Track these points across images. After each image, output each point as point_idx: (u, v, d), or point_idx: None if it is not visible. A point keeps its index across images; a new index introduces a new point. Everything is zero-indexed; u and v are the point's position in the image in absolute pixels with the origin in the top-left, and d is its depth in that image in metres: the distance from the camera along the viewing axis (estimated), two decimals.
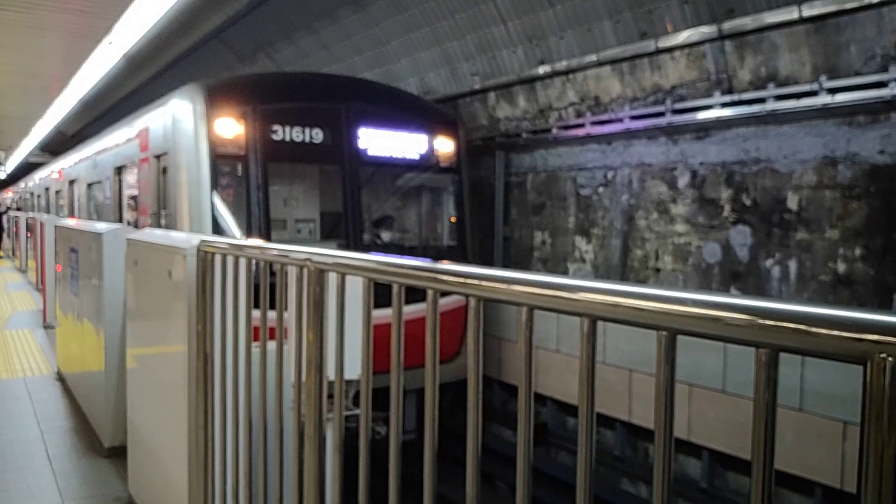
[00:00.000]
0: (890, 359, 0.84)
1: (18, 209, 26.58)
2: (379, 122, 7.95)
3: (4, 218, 24.52)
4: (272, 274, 2.38)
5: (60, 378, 6.82)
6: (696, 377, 6.46)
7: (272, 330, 2.43)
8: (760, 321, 0.99)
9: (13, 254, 20.75)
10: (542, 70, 8.35)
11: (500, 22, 8.50)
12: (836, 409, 5.52)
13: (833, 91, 5.78)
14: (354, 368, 2.01)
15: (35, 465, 4.68)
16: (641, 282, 7.77)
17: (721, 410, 6.35)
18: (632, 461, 7.56)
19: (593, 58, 7.66)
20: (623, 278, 7.95)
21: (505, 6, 8.26)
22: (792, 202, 6.38)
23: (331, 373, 2.10)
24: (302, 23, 11.57)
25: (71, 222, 7.66)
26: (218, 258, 2.81)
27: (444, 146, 8.46)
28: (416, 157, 8.29)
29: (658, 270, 7.60)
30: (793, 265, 6.37)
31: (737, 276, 6.82)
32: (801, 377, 5.70)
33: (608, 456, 7.71)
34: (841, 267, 6.06)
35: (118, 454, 4.66)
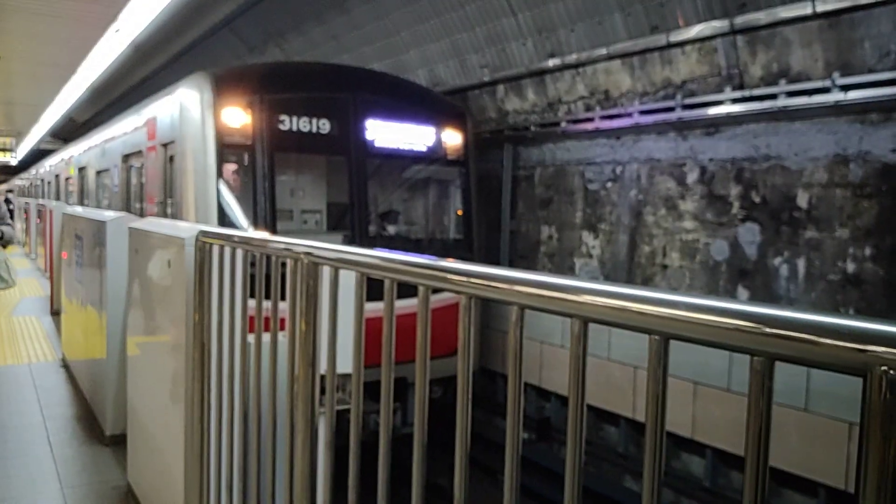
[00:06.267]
0: (891, 372, 0.80)
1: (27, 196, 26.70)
2: (386, 114, 7.92)
3: (11, 206, 24.64)
4: (268, 266, 2.37)
5: (65, 365, 6.85)
6: (701, 375, 6.41)
7: (268, 321, 2.42)
8: (756, 328, 0.95)
9: (23, 241, 20.87)
10: (551, 63, 8.29)
11: (510, 14, 8.44)
12: (841, 410, 5.47)
13: (846, 88, 5.70)
14: (348, 362, 1.99)
15: (36, 451, 4.69)
16: (648, 278, 7.72)
17: (726, 409, 6.30)
18: (635, 458, 7.53)
19: (603, 51, 7.59)
20: (630, 274, 7.91)
21: None
22: (802, 200, 6.31)
23: (325, 366, 2.09)
24: (312, 13, 11.54)
25: (77, 210, 7.67)
26: (216, 249, 2.79)
27: (452, 138, 8.42)
28: (424, 148, 8.25)
29: (665, 267, 7.55)
30: (801, 264, 6.30)
31: (744, 273, 6.76)
32: (807, 376, 5.65)
33: (612, 453, 7.68)
34: (850, 266, 5.99)
35: (119, 442, 4.65)
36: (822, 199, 6.18)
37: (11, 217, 23.05)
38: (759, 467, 1.00)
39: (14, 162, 35.74)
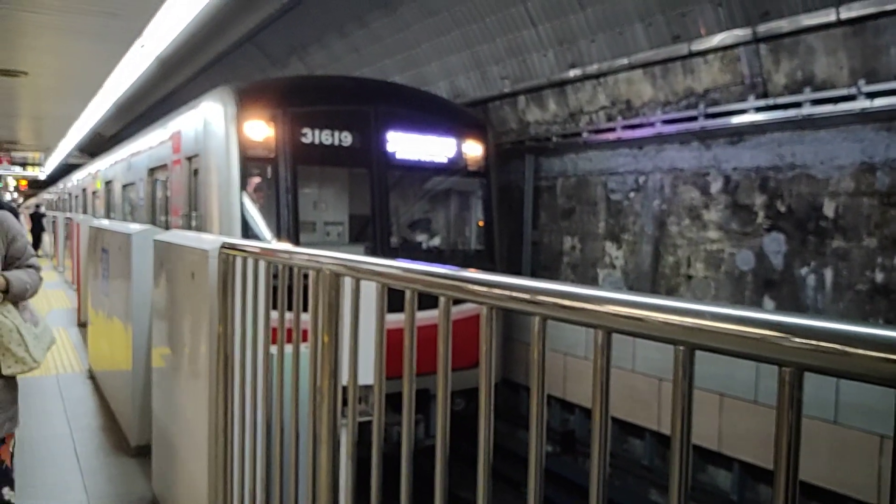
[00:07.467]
0: None
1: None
2: (407, 126, 7.95)
3: (44, 219, 25.04)
4: (291, 277, 2.38)
5: (91, 376, 6.91)
6: (727, 387, 6.32)
7: (290, 332, 2.43)
8: (784, 337, 0.92)
9: (51, 254, 21.18)
10: (572, 73, 8.27)
11: (530, 25, 8.44)
12: (874, 423, 5.36)
13: (872, 95, 5.62)
14: (370, 374, 1.99)
15: (63, 462, 4.73)
16: (673, 289, 7.64)
17: (753, 421, 6.20)
18: (661, 471, 7.43)
19: (625, 61, 7.56)
20: (654, 285, 7.83)
21: (535, 9, 8.20)
22: (828, 209, 6.21)
23: (347, 377, 2.09)
24: (333, 26, 11.64)
25: (103, 223, 7.77)
26: (239, 260, 2.81)
27: (473, 150, 8.42)
28: (445, 160, 8.26)
29: (690, 278, 7.47)
30: (829, 274, 6.20)
31: (771, 284, 6.67)
32: (836, 388, 5.54)
33: (637, 466, 7.58)
34: (879, 276, 5.89)
35: (144, 453, 4.67)
36: (848, 208, 6.08)
37: (37, 244, 22.86)
38: (789, 481, 0.97)
39: (42, 176, 36.27)
